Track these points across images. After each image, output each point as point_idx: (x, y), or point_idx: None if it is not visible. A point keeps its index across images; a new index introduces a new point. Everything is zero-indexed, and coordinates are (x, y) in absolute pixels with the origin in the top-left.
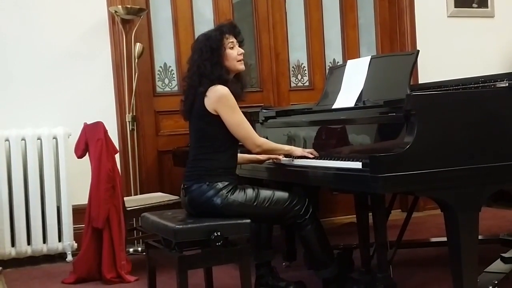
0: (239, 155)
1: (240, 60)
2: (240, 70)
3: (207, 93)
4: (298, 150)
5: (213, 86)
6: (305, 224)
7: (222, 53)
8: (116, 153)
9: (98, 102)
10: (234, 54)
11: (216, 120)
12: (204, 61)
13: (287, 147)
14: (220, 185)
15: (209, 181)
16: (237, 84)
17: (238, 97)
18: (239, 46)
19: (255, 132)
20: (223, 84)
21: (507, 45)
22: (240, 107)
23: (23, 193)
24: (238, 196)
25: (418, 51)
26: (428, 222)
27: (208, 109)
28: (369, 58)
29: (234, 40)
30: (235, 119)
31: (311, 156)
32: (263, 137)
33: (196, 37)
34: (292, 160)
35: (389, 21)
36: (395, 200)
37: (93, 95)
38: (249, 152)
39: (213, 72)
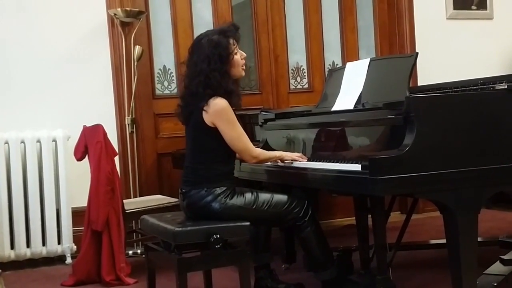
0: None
1: (243, 66)
2: (242, 76)
3: (206, 107)
4: (287, 155)
5: (212, 99)
6: (304, 226)
7: (230, 61)
8: (116, 155)
9: (98, 104)
10: (239, 60)
11: (214, 133)
12: (213, 71)
13: (278, 153)
14: (218, 190)
15: (207, 187)
16: (238, 95)
17: (236, 107)
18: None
19: (252, 144)
20: (228, 95)
21: (506, 47)
22: (239, 109)
23: (23, 196)
24: (237, 200)
25: (417, 53)
26: (427, 224)
27: (207, 122)
28: (368, 60)
29: (236, 43)
30: (234, 133)
31: (300, 160)
32: (263, 139)
33: None
34: (291, 163)
35: (388, 24)
36: (394, 202)
37: (93, 97)
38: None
39: (221, 84)
